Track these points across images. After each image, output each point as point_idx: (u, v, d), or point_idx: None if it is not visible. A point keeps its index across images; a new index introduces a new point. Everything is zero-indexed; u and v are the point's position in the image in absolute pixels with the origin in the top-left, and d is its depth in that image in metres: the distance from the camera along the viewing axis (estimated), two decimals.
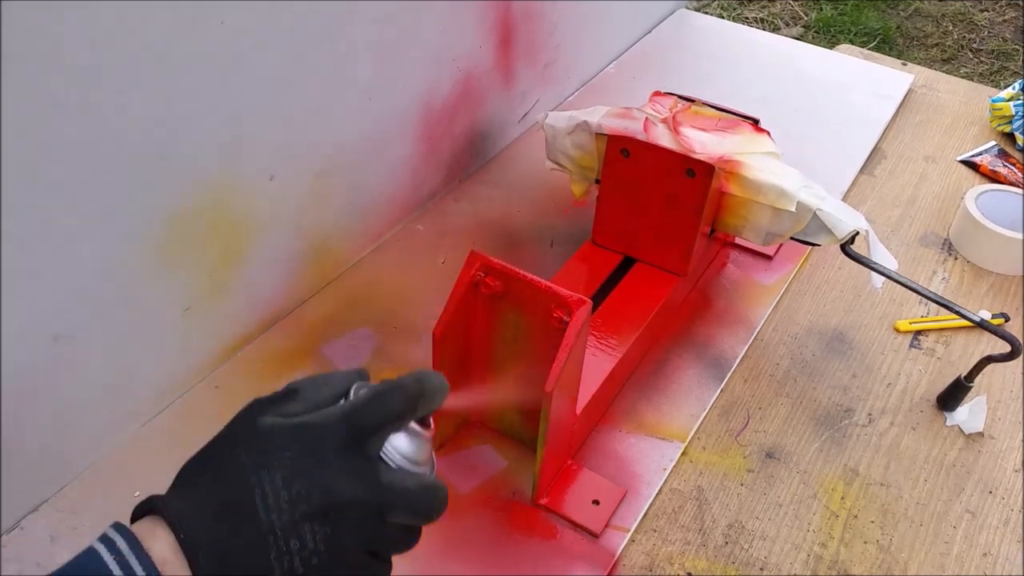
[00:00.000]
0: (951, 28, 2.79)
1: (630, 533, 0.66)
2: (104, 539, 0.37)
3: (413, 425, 0.43)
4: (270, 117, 0.70)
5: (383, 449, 0.42)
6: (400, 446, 0.42)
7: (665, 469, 0.70)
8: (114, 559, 0.36)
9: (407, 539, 0.43)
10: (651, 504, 0.68)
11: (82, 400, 0.64)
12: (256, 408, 0.41)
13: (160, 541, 0.37)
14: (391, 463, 0.42)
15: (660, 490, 0.69)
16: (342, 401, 0.43)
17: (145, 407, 0.71)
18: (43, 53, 0.51)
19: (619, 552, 0.64)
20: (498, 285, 0.62)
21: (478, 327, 0.65)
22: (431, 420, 0.44)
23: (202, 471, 0.40)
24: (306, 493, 0.38)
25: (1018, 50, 2.68)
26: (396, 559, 0.64)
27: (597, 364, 0.70)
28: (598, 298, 0.77)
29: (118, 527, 0.38)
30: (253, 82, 0.67)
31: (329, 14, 0.71)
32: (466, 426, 0.72)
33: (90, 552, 0.37)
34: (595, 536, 0.65)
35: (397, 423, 0.42)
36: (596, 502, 0.67)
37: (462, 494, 0.67)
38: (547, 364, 0.57)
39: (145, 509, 0.39)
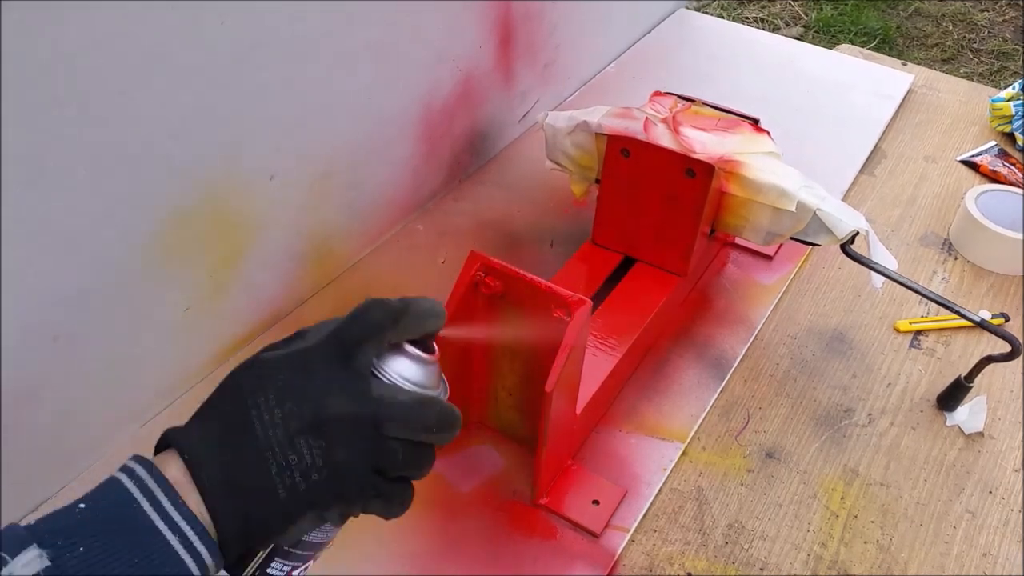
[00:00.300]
0: (951, 28, 2.79)
1: (630, 533, 0.66)
2: (124, 468, 0.39)
3: (412, 348, 0.43)
4: (270, 117, 0.70)
5: (383, 371, 0.42)
6: (398, 367, 0.43)
7: (665, 469, 0.70)
8: (133, 483, 0.38)
9: (417, 459, 0.43)
10: (651, 504, 0.68)
11: (82, 400, 0.64)
12: (262, 349, 0.43)
13: (173, 467, 0.39)
14: (386, 380, 0.42)
15: (660, 490, 0.69)
16: None
17: (145, 407, 0.71)
18: (43, 53, 0.51)
19: (619, 552, 0.64)
20: (498, 285, 0.62)
21: (478, 327, 0.65)
22: (434, 345, 0.45)
23: (210, 403, 0.42)
24: (297, 408, 0.40)
25: (1018, 50, 2.68)
26: (397, 559, 0.64)
27: (597, 364, 0.70)
28: (598, 298, 0.77)
29: (137, 458, 0.39)
30: (253, 82, 0.67)
31: (329, 14, 0.71)
32: (466, 426, 0.72)
33: (112, 481, 0.39)
34: (595, 536, 0.65)
35: (379, 335, 0.42)
36: (596, 502, 0.67)
37: (462, 494, 0.67)
38: (547, 364, 0.57)
39: (163, 445, 0.41)
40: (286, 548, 0.43)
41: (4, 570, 0.34)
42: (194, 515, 0.38)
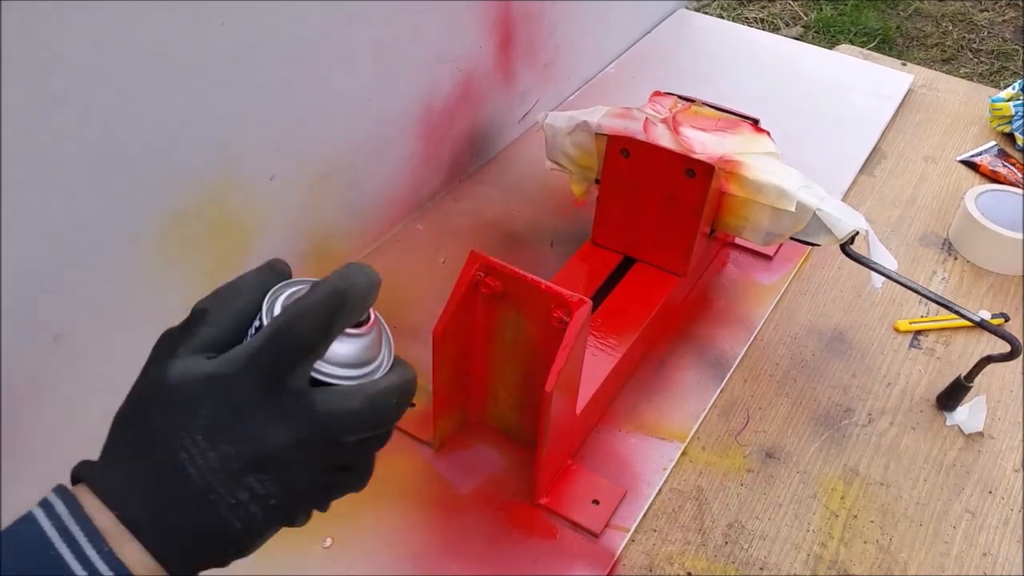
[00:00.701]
0: (951, 28, 2.79)
1: (630, 533, 0.66)
2: (44, 504, 0.35)
3: (351, 332, 0.38)
4: (270, 117, 0.70)
5: (319, 370, 0.37)
6: (336, 358, 0.37)
7: (665, 469, 0.70)
8: (52, 524, 0.34)
9: (380, 441, 0.40)
10: (651, 504, 0.68)
11: (82, 400, 0.64)
12: (165, 348, 0.38)
13: (100, 515, 0.35)
14: (327, 380, 0.37)
15: (660, 490, 0.69)
16: (251, 330, 0.38)
17: None
18: (43, 53, 0.51)
19: (619, 552, 0.64)
20: (498, 285, 0.62)
21: (478, 327, 0.65)
22: (370, 313, 0.39)
23: (124, 442, 0.37)
24: (235, 451, 0.35)
25: (1018, 50, 2.68)
26: (397, 559, 0.64)
27: (597, 364, 0.70)
28: (598, 298, 0.77)
29: (60, 490, 0.36)
30: (253, 82, 0.67)
31: (329, 14, 0.71)
32: (466, 426, 0.72)
33: (28, 519, 0.35)
34: (595, 536, 0.65)
35: (311, 356, 0.36)
36: (596, 502, 0.67)
37: (462, 494, 0.67)
38: (547, 364, 0.57)
39: (78, 477, 0.37)
40: None
41: None
42: (122, 564, 0.33)
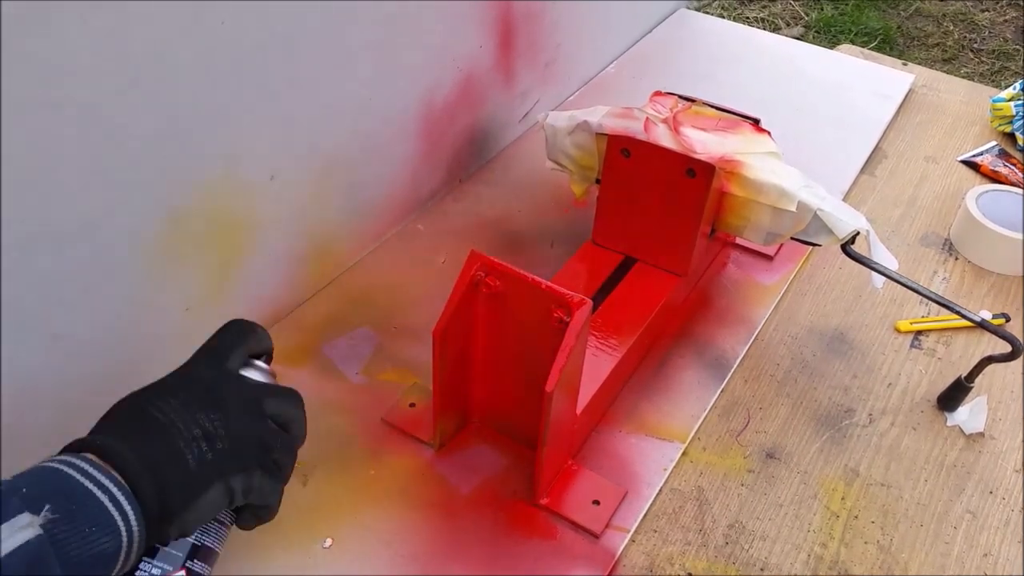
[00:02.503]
0: (952, 28, 2.79)
1: (630, 533, 0.65)
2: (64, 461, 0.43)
3: (261, 364, 0.55)
4: (270, 117, 0.70)
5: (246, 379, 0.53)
6: (256, 376, 0.54)
7: (665, 469, 0.70)
8: (56, 463, 0.42)
9: (287, 443, 0.52)
10: (651, 504, 0.68)
11: (82, 400, 0.64)
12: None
13: (87, 455, 0.43)
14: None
15: (660, 490, 0.69)
16: None
17: None
18: (43, 53, 0.51)
19: (619, 552, 0.64)
20: (498, 285, 0.62)
21: (478, 327, 0.65)
22: (268, 361, 0.56)
23: (101, 421, 0.47)
24: (191, 396, 0.48)
25: (1019, 50, 2.68)
26: (397, 559, 0.64)
27: (597, 364, 0.70)
28: (598, 298, 0.77)
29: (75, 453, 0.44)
30: (253, 82, 0.67)
31: (329, 14, 0.71)
32: (466, 426, 0.72)
33: (32, 468, 0.42)
34: (595, 536, 0.65)
35: (245, 342, 0.53)
36: (596, 502, 0.66)
37: (462, 494, 0.67)
38: (547, 364, 0.57)
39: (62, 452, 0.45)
40: (157, 545, 0.48)
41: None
42: (116, 477, 0.42)
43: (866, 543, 0.66)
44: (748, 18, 2.78)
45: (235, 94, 0.65)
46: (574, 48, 1.12)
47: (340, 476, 0.68)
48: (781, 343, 0.83)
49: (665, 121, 0.79)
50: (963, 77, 1.77)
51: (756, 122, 0.82)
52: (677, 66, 1.24)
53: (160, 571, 0.47)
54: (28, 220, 0.54)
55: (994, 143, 1.11)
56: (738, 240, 0.91)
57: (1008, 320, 0.85)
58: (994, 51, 2.68)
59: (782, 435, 0.74)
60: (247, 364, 0.54)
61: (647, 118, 0.79)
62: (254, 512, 0.51)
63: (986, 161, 1.07)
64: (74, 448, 0.44)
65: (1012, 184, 1.02)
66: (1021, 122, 1.10)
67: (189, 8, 0.58)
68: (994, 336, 0.70)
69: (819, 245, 0.76)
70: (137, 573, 0.47)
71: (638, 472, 0.70)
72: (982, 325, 0.70)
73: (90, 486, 0.41)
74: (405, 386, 0.75)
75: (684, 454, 0.72)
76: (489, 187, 1.00)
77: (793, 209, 0.74)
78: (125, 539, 0.41)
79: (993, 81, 2.51)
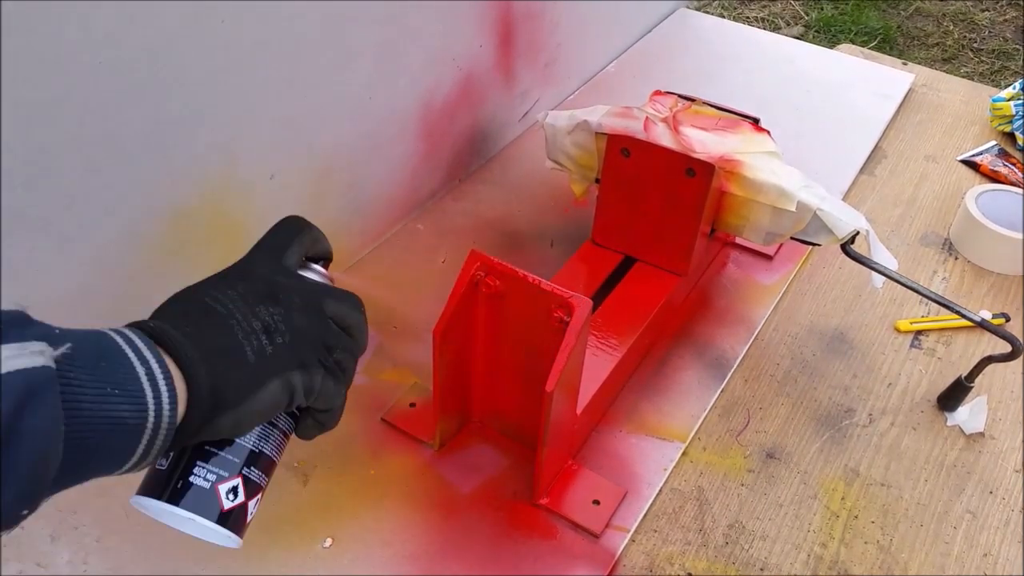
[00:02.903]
0: (952, 28, 2.79)
1: (630, 533, 0.65)
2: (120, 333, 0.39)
3: (316, 266, 0.51)
4: (270, 116, 0.70)
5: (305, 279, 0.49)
6: (314, 278, 0.50)
7: (665, 469, 0.70)
8: (110, 331, 0.39)
9: (349, 345, 0.48)
10: (651, 504, 0.68)
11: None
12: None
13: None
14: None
15: (660, 490, 0.69)
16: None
17: None
18: (43, 52, 0.51)
19: (619, 552, 0.64)
20: (498, 285, 0.62)
21: (478, 327, 0.65)
22: (327, 265, 0.53)
23: (158, 311, 0.45)
24: (251, 286, 0.45)
25: (1018, 50, 2.68)
26: (397, 559, 0.64)
27: (597, 364, 0.70)
28: (598, 298, 0.77)
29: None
30: (253, 82, 0.67)
31: (329, 14, 0.71)
32: (466, 426, 0.72)
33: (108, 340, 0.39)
34: (595, 536, 0.65)
35: (301, 237, 0.50)
36: (596, 502, 0.66)
37: (462, 494, 0.67)
38: (547, 364, 0.57)
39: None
40: (213, 450, 0.44)
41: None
42: (163, 357, 0.39)
43: (866, 543, 0.66)
44: (748, 18, 2.78)
45: (235, 94, 0.65)
46: (574, 48, 1.12)
47: (340, 476, 0.68)
48: (781, 343, 0.83)
49: (665, 120, 0.79)
50: (963, 77, 1.77)
51: (756, 122, 0.82)
52: (677, 66, 1.24)
53: (216, 476, 0.44)
54: (28, 220, 0.54)
55: (994, 143, 1.11)
56: (738, 240, 0.91)
57: (1008, 320, 0.85)
58: (994, 51, 2.68)
59: (782, 435, 0.74)
60: (304, 266, 0.50)
61: (647, 118, 0.79)
62: (315, 417, 0.48)
63: (986, 161, 1.07)
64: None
65: (1012, 184, 1.02)
66: (1021, 122, 1.10)
67: (189, 8, 0.58)
68: (994, 336, 0.70)
69: (819, 245, 0.76)
70: (191, 478, 0.43)
71: (638, 472, 0.70)
72: (982, 325, 0.70)
73: (127, 351, 0.37)
74: (405, 386, 0.75)
75: (684, 454, 0.72)
76: (489, 187, 1.00)
77: (793, 209, 0.74)
78: (152, 418, 0.37)
79: (993, 81, 2.51)
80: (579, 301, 0.58)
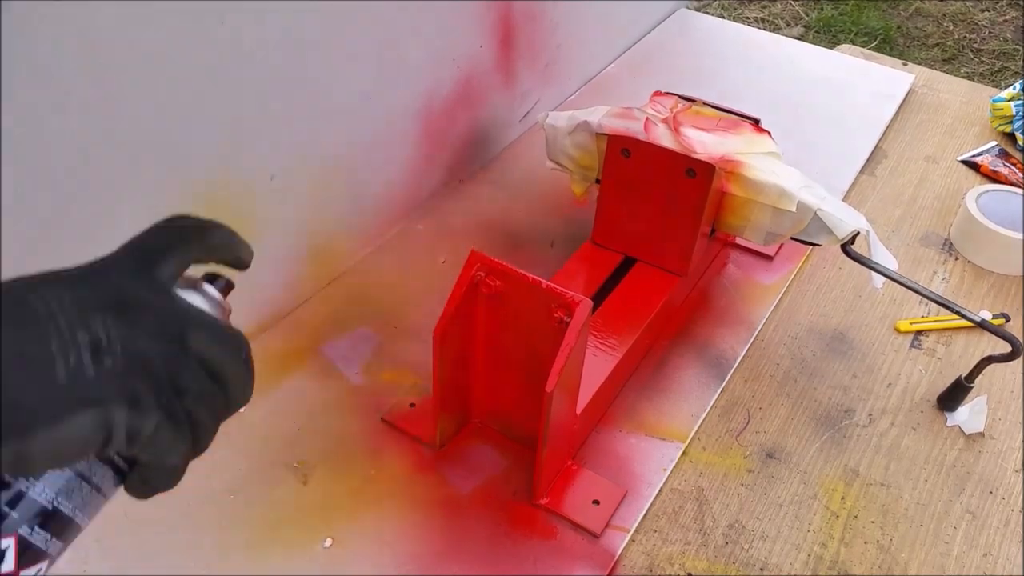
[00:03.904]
0: (952, 28, 2.79)
1: (630, 533, 0.65)
2: None
3: (209, 288, 0.39)
4: (270, 117, 0.70)
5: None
6: (195, 301, 0.38)
7: (665, 469, 0.70)
8: None
9: (211, 396, 0.36)
10: (651, 504, 0.68)
11: None
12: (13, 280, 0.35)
13: None
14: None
15: (660, 490, 0.69)
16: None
17: None
18: (43, 53, 0.51)
19: (619, 552, 0.64)
20: (498, 285, 0.62)
21: (478, 327, 0.65)
22: (226, 288, 0.41)
23: None
24: (92, 293, 0.33)
25: (1019, 50, 2.68)
26: (397, 559, 0.64)
27: (597, 364, 0.70)
28: (598, 298, 0.77)
29: None
30: (253, 82, 0.67)
31: (329, 14, 0.71)
32: (466, 426, 0.72)
33: None
34: (595, 536, 0.65)
35: (184, 246, 0.38)
36: (596, 502, 0.66)
37: (462, 494, 0.67)
38: (547, 364, 0.57)
39: None
40: None
41: None
42: None
43: (866, 543, 0.66)
44: (748, 18, 2.78)
45: (235, 94, 0.65)
46: (574, 48, 1.12)
47: (340, 476, 0.68)
48: (781, 343, 0.83)
49: (665, 121, 0.79)
50: (963, 77, 1.77)
51: (756, 122, 0.82)
52: (677, 66, 1.24)
53: None
54: (28, 220, 0.54)
55: (994, 143, 1.11)
56: (738, 240, 0.91)
57: (1008, 320, 0.85)
58: (994, 51, 2.68)
59: (782, 435, 0.74)
60: (192, 285, 0.39)
61: (647, 118, 0.79)
62: (145, 473, 0.36)
63: (986, 161, 1.07)
64: None
65: (1012, 184, 1.02)
66: (1021, 122, 1.10)
67: (189, 8, 0.58)
68: (994, 336, 0.70)
69: (819, 245, 0.76)
70: None
71: (638, 472, 0.70)
72: (982, 325, 0.70)
73: None
74: (405, 386, 0.75)
75: (684, 454, 0.72)
76: (489, 187, 1.00)
77: (793, 209, 0.74)
78: None
79: (993, 81, 2.51)
80: (579, 301, 0.58)
